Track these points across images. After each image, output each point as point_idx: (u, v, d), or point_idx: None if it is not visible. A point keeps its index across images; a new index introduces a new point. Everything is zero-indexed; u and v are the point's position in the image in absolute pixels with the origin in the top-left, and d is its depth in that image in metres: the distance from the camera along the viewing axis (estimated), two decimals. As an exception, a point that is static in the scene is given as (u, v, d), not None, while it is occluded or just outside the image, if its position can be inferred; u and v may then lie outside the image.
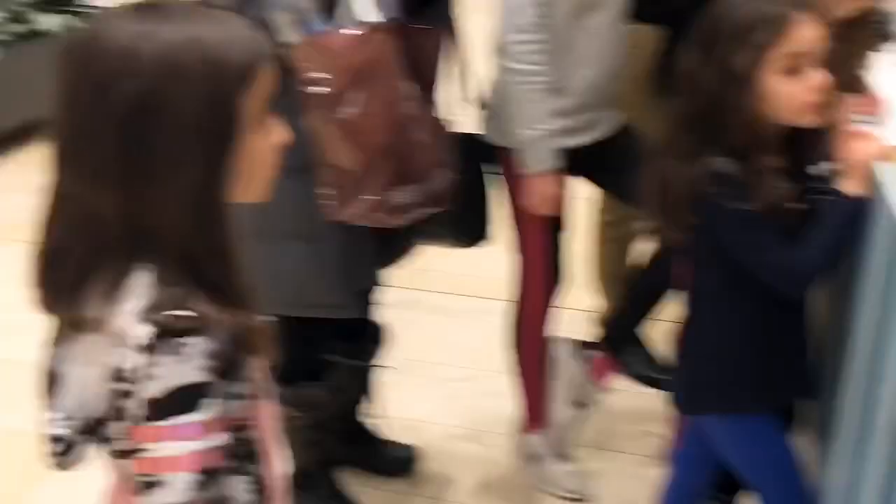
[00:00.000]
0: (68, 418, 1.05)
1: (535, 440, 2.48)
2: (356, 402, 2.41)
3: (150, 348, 0.95)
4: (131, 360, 0.95)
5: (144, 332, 0.95)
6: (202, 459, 0.97)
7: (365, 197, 1.82)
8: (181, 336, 0.95)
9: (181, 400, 0.96)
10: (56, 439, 1.05)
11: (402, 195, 1.85)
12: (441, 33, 2.01)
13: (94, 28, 0.98)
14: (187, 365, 0.95)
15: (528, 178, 2.11)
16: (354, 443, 2.47)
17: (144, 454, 0.97)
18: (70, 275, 0.99)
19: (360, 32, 1.77)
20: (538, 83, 2.03)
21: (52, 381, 1.05)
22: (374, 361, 2.38)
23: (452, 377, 2.94)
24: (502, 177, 2.24)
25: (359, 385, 2.34)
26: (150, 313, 0.95)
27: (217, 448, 0.99)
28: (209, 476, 0.98)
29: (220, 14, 1.01)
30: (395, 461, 2.51)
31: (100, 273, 0.98)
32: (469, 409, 2.79)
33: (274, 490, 1.14)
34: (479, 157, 2.19)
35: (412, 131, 1.85)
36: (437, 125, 1.97)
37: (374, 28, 1.79)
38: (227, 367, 0.99)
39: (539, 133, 2.06)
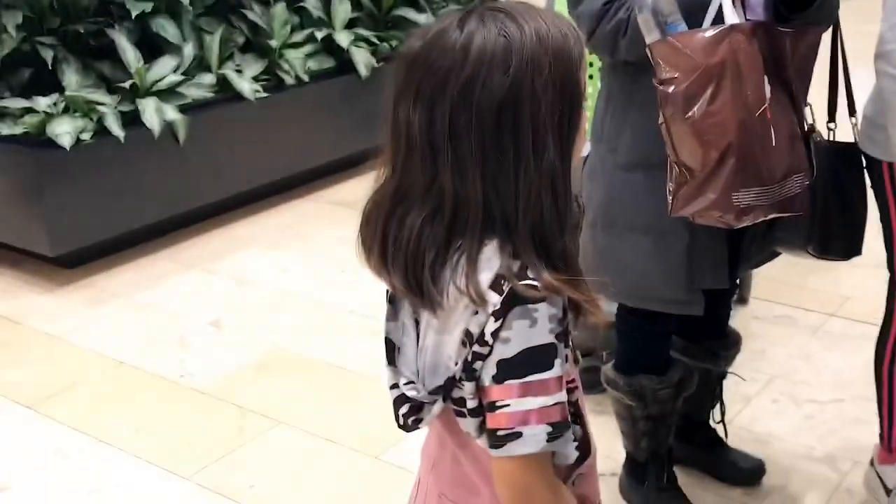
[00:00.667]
0: (416, 382, 1.16)
1: (891, 472, 2.33)
2: (700, 402, 2.41)
3: (503, 314, 1.05)
4: (487, 325, 1.06)
5: (498, 299, 1.05)
6: (552, 413, 1.07)
7: (709, 195, 1.84)
8: (530, 303, 1.05)
9: (533, 360, 1.05)
10: (406, 401, 1.16)
11: (747, 197, 1.84)
12: (815, 37, 1.97)
13: (441, 35, 1.07)
14: (536, 328, 1.05)
15: None
16: (697, 444, 2.48)
17: (501, 410, 1.07)
18: (430, 258, 1.09)
19: (715, 33, 1.80)
20: None
21: (394, 351, 1.18)
22: (721, 365, 2.38)
23: (816, 398, 2.83)
24: (883, 191, 2.14)
25: (702, 386, 2.34)
26: (503, 283, 1.05)
27: (562, 403, 1.08)
28: (557, 428, 1.08)
29: (544, 11, 1.10)
30: (740, 471, 2.47)
31: (452, 253, 1.08)
32: (828, 432, 2.67)
33: (592, 453, 1.22)
34: (855, 168, 2.11)
35: (764, 134, 1.84)
36: (795, 130, 1.93)
37: (732, 29, 1.80)
38: (564, 329, 1.08)
39: None
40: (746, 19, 1.85)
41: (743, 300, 3.34)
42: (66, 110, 3.73)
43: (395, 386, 1.18)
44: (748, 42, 1.82)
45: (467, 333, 1.08)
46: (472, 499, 1.22)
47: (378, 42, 4.76)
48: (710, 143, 1.82)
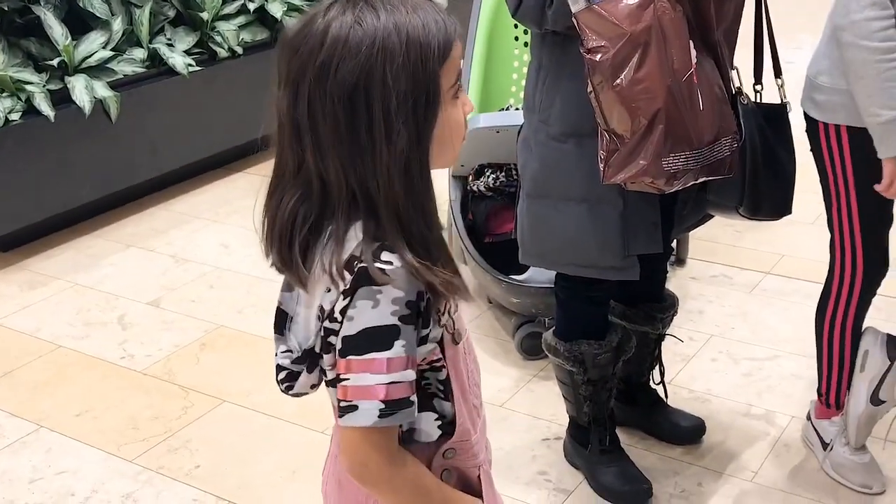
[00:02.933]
0: (290, 351, 1.23)
1: (828, 426, 2.39)
2: (639, 364, 2.45)
3: (350, 293, 1.10)
4: (337, 302, 1.12)
5: (349, 278, 1.11)
6: (389, 391, 1.11)
7: (639, 161, 1.85)
8: (376, 284, 1.10)
9: (372, 339, 1.11)
10: (282, 369, 1.24)
11: (676, 161, 1.86)
12: (739, 0, 1.99)
13: (309, 22, 1.12)
14: (378, 309, 1.10)
15: (885, 162, 2.01)
16: (637, 405, 2.52)
17: (343, 382, 1.13)
18: (300, 236, 1.14)
19: (640, 0, 1.81)
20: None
21: (285, 320, 1.24)
22: (659, 328, 2.41)
23: (753, 356, 2.89)
24: (819, 152, 2.17)
25: (641, 348, 2.38)
26: (355, 263, 1.11)
27: (404, 383, 1.12)
28: (394, 406, 1.12)
29: (417, 2, 1.14)
30: (681, 430, 2.52)
31: (325, 232, 1.14)
32: (766, 389, 2.73)
33: (466, 431, 1.25)
34: (783, 129, 2.14)
35: (692, 99, 1.86)
36: (722, 93, 1.95)
37: None
38: (417, 313, 1.12)
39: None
40: None
41: (680, 261, 3.39)
42: (-8, 90, 3.64)
43: (276, 354, 1.26)
44: (672, 7, 1.84)
45: (321, 309, 1.14)
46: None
47: (312, 12, 4.69)
48: (639, 110, 1.83)
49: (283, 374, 1.24)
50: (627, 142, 1.85)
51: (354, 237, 1.12)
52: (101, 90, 3.80)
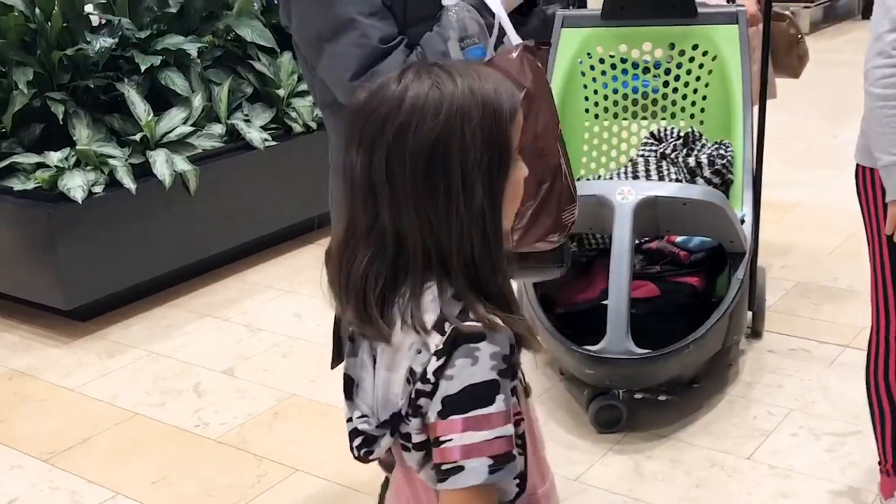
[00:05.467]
0: (369, 416, 1.22)
1: (900, 504, 2.31)
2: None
3: (446, 353, 1.11)
4: (430, 363, 1.12)
5: (440, 339, 1.12)
6: (494, 447, 1.12)
7: (545, 220, 1.83)
8: (472, 342, 1.11)
9: (475, 396, 1.11)
10: (358, 434, 1.23)
11: (571, 213, 1.86)
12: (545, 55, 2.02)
13: (383, 87, 1.16)
14: (478, 366, 1.11)
15: (889, 205, 2.03)
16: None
17: (444, 444, 1.13)
18: (376, 293, 1.16)
19: (518, 54, 1.78)
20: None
21: (352, 386, 1.25)
22: None
23: (835, 431, 2.81)
24: (860, 194, 2.17)
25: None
26: (445, 324, 1.12)
27: (507, 437, 1.13)
28: (501, 461, 1.12)
29: (484, 69, 1.20)
30: None
31: (399, 290, 1.16)
32: (849, 465, 2.65)
33: (533, 485, 1.25)
34: None
35: (564, 150, 1.86)
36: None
37: (525, 49, 1.80)
38: (508, 365, 1.13)
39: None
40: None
41: (757, 334, 3.33)
42: (77, 164, 3.76)
43: (350, 420, 1.25)
44: (535, 60, 1.82)
45: (411, 372, 1.14)
46: None
47: (384, 88, 4.79)
48: (542, 167, 1.80)
49: (359, 440, 1.23)
50: (529, 205, 1.81)
51: (433, 297, 1.14)
52: (181, 164, 3.91)
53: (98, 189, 3.69)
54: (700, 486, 2.59)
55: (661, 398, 2.92)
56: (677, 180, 3.12)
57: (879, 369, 2.25)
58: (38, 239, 3.66)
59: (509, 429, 1.13)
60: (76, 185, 3.61)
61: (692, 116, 3.34)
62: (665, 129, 3.33)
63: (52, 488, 2.77)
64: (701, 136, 3.28)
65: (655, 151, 3.25)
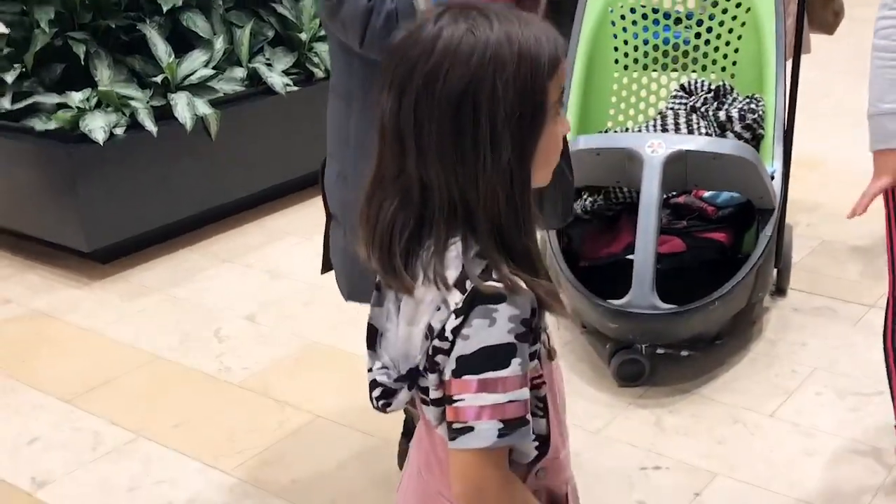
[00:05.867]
0: (389, 368, 1.20)
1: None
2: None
3: (464, 312, 1.08)
4: (448, 321, 1.09)
5: (460, 297, 1.08)
6: (506, 410, 1.09)
7: None
8: (491, 303, 1.07)
9: (490, 358, 1.08)
10: (377, 385, 1.21)
11: None
12: None
13: (419, 28, 1.11)
14: (495, 327, 1.07)
15: (874, 154, 2.02)
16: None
17: (457, 403, 1.10)
18: (401, 244, 1.12)
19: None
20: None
21: (376, 336, 1.23)
22: None
23: (859, 391, 2.79)
24: None
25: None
26: (466, 281, 1.08)
27: (520, 402, 1.10)
28: (512, 426, 1.10)
29: (527, 16, 1.12)
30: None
31: (424, 243, 1.12)
32: (873, 426, 2.64)
33: (555, 447, 1.23)
34: None
35: None
36: None
37: None
38: (528, 329, 1.10)
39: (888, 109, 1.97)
40: None
41: (781, 291, 3.31)
42: (98, 105, 3.73)
43: (370, 370, 1.22)
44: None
45: (429, 328, 1.11)
46: (431, 477, 1.26)
47: (407, 34, 4.74)
48: None
49: (378, 391, 1.21)
50: None
51: (456, 253, 1.10)
52: (202, 107, 3.87)
53: (119, 131, 3.66)
54: (722, 442, 2.58)
55: (684, 353, 2.90)
56: (707, 134, 3.07)
57: (890, 333, 2.22)
58: (60, 180, 3.65)
59: (524, 393, 1.10)
60: (97, 126, 3.58)
61: (723, 69, 3.29)
62: (695, 82, 3.28)
63: (74, 429, 2.79)
64: (732, 89, 3.23)
65: (685, 104, 3.20)
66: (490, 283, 1.08)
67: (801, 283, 3.36)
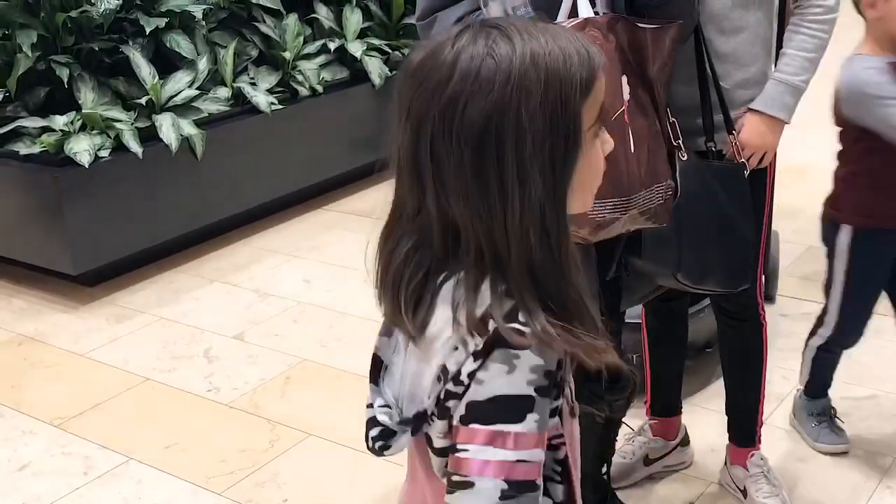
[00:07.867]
0: (391, 407, 1.09)
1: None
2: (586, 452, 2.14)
3: (483, 355, 0.96)
4: (465, 364, 0.98)
5: (480, 339, 0.97)
6: (513, 470, 0.97)
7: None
8: (514, 348, 0.96)
9: (503, 409, 0.97)
10: (377, 424, 1.08)
11: (602, 209, 1.63)
12: (677, 32, 1.76)
13: (437, 51, 0.99)
14: (514, 376, 0.96)
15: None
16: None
17: (460, 454, 0.98)
18: (412, 286, 1.03)
19: (569, 28, 1.53)
20: None
21: (380, 369, 1.12)
22: (606, 411, 1.98)
23: (850, 395, 2.80)
24: None
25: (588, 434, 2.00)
26: (489, 322, 0.97)
27: (532, 463, 0.98)
28: (518, 488, 0.97)
29: (554, 29, 1.00)
30: None
31: (445, 283, 1.02)
32: (866, 429, 2.64)
33: None
34: (736, 188, 1.91)
35: (622, 139, 1.64)
36: (657, 136, 1.75)
37: (587, 23, 1.64)
38: (551, 383, 0.98)
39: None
40: (603, 12, 1.71)
41: (770, 298, 3.31)
42: (83, 128, 3.73)
43: (370, 406, 1.11)
44: (604, 37, 1.66)
45: (443, 369, 1.00)
46: None
47: (390, 51, 4.76)
48: None
49: (376, 431, 1.09)
50: None
51: (485, 293, 0.98)
52: (187, 128, 3.87)
53: (104, 153, 3.66)
54: (715, 449, 2.58)
55: (675, 362, 2.89)
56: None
57: None
58: (46, 203, 3.64)
59: (537, 454, 0.98)
60: (82, 149, 3.58)
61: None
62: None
63: (64, 453, 2.77)
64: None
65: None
66: (515, 325, 0.96)
67: (788, 289, 3.37)
